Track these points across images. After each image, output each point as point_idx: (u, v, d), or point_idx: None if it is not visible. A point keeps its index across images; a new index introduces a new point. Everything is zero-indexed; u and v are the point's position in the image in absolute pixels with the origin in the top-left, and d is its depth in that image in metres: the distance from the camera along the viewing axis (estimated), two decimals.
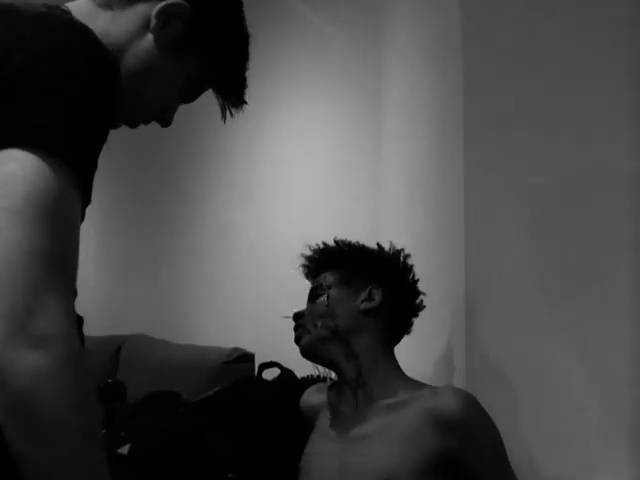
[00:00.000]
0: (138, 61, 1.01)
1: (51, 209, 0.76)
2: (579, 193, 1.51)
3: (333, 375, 2.03)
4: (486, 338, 1.53)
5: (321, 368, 1.85)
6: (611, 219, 1.47)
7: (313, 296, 1.50)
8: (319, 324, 1.43)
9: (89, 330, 3.89)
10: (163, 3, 1.00)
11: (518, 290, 1.52)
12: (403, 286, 1.51)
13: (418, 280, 1.53)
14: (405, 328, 1.51)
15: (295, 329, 1.49)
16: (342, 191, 3.13)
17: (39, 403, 0.72)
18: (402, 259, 1.53)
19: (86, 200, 0.87)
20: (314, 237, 1.59)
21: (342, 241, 1.56)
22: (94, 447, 0.78)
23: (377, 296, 1.45)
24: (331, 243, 1.56)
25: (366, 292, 1.46)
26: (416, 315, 1.52)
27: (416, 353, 1.85)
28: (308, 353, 1.47)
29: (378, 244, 1.55)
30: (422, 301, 1.52)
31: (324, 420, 1.46)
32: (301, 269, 1.59)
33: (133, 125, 1.08)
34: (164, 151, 4.16)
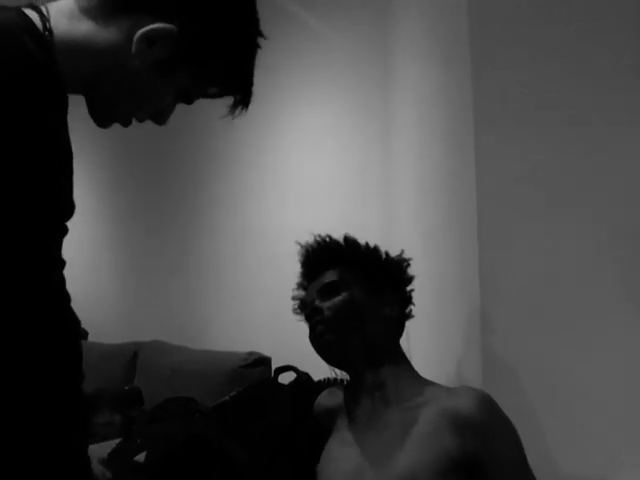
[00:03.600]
0: (121, 77, 0.99)
1: None
2: (595, 189, 1.49)
3: (349, 377, 2.02)
4: (502, 339, 1.51)
5: (337, 370, 1.84)
6: (630, 215, 1.46)
7: (328, 291, 1.45)
8: (346, 325, 1.40)
9: (105, 337, 3.95)
10: (145, 29, 0.96)
11: (534, 290, 1.50)
12: (408, 294, 1.52)
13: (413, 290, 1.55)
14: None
15: (315, 324, 1.43)
16: (353, 193, 3.12)
17: None
18: (406, 267, 1.53)
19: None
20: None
21: (354, 239, 1.53)
22: None
23: (396, 303, 1.45)
24: (337, 239, 1.53)
25: (389, 298, 1.45)
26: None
27: (432, 356, 1.83)
28: (330, 353, 1.44)
29: (386, 252, 1.54)
30: (411, 311, 1.54)
31: (341, 423, 1.44)
32: (302, 257, 1.55)
33: (105, 125, 1.06)
34: (177, 158, 4.16)
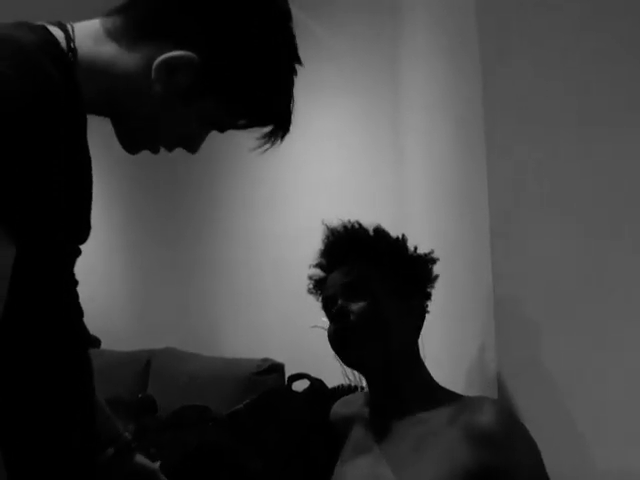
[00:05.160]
0: (140, 103, 0.98)
1: None
2: (610, 187, 1.48)
3: (364, 384, 2.01)
4: (518, 341, 1.50)
5: (351, 377, 1.82)
6: None
7: (354, 289, 1.37)
8: (370, 333, 1.33)
9: (118, 345, 3.95)
10: (164, 57, 0.95)
11: (550, 290, 1.49)
12: (429, 295, 1.47)
13: None
14: None
15: (340, 329, 1.36)
16: (364, 197, 3.11)
17: None
18: (432, 266, 1.46)
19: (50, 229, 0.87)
20: None
21: (383, 231, 1.45)
22: None
23: (419, 309, 1.40)
24: (367, 227, 1.45)
25: (413, 304, 1.40)
26: None
27: (446, 359, 1.82)
28: (349, 357, 1.39)
29: (415, 247, 1.46)
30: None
31: (357, 432, 1.43)
32: (327, 238, 1.47)
33: (133, 152, 1.05)
34: (188, 165, 4.17)
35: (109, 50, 0.96)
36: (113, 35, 0.97)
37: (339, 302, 1.36)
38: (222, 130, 1.06)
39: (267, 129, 1.05)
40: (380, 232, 1.45)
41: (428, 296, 1.45)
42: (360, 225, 1.45)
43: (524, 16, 1.53)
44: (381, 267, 1.39)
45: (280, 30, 1.02)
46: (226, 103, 1.00)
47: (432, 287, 1.46)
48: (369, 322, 1.33)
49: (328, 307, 1.41)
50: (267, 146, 1.06)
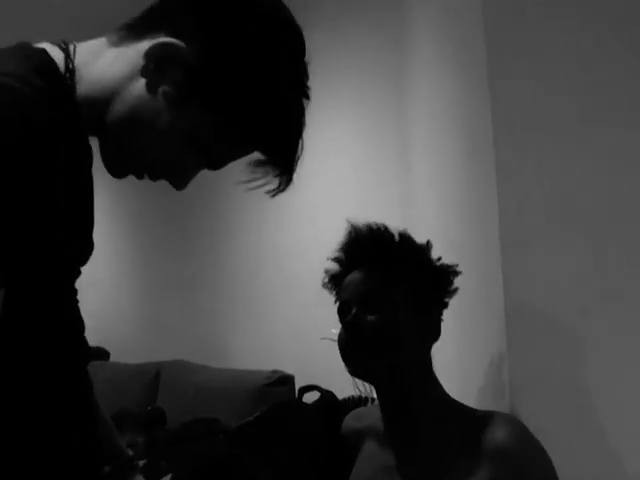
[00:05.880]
0: (125, 108, 0.90)
1: None
2: (621, 195, 1.47)
3: (375, 395, 2.00)
4: (530, 352, 1.49)
5: (362, 388, 1.81)
6: None
7: (372, 299, 1.31)
8: (384, 348, 1.28)
9: (127, 357, 3.96)
10: (153, 42, 0.89)
11: (562, 299, 1.48)
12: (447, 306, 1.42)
13: None
14: None
15: (351, 339, 1.31)
16: (371, 209, 3.11)
17: None
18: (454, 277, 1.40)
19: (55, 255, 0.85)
20: None
21: (408, 237, 1.39)
22: None
23: (437, 324, 1.35)
24: (393, 231, 1.40)
25: (436, 321, 1.35)
26: None
27: (456, 370, 1.81)
28: (361, 376, 1.36)
29: (439, 258, 1.39)
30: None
31: (369, 446, 1.41)
32: (349, 236, 1.41)
33: (117, 176, 0.97)
34: (197, 178, 4.17)
35: (106, 57, 0.93)
36: (114, 43, 0.94)
37: (353, 310, 1.31)
38: (215, 163, 0.97)
39: (267, 170, 0.95)
40: (405, 237, 1.39)
41: (445, 306, 1.40)
42: (386, 228, 1.40)
43: (531, 26, 1.53)
44: (402, 276, 1.33)
45: (283, 45, 0.93)
46: (214, 115, 0.90)
47: (451, 296, 1.40)
48: (382, 337, 1.28)
49: (342, 312, 1.36)
50: (270, 189, 0.95)
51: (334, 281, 1.43)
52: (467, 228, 1.83)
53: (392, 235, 1.39)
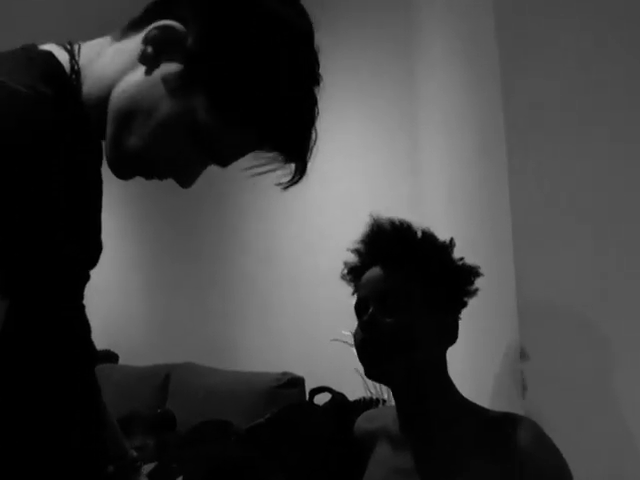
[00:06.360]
0: (123, 97, 0.87)
1: None
2: (636, 191, 1.46)
3: (386, 397, 2.00)
4: (543, 350, 1.47)
5: (373, 390, 1.80)
6: None
7: (391, 299, 1.28)
8: (401, 350, 1.25)
9: (137, 360, 3.95)
10: (151, 26, 0.86)
11: (576, 299, 1.46)
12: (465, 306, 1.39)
13: None
14: None
15: (367, 340, 1.28)
16: (381, 208, 3.09)
17: None
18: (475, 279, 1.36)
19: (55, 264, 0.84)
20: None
21: (431, 235, 1.35)
22: None
23: (455, 327, 1.32)
24: (416, 229, 1.36)
25: (454, 323, 1.32)
26: None
27: (469, 371, 1.80)
28: (377, 378, 1.35)
29: (461, 258, 1.36)
30: None
31: (382, 447, 1.40)
32: (371, 230, 1.38)
33: (123, 176, 0.94)
34: (205, 180, 4.17)
35: (107, 53, 0.92)
36: (117, 39, 0.93)
37: (371, 309, 1.28)
38: (216, 153, 0.92)
39: (275, 156, 0.91)
40: (428, 235, 1.36)
41: (465, 305, 1.37)
42: (409, 225, 1.36)
43: (543, 23, 1.51)
44: (423, 277, 1.30)
45: (288, 30, 0.87)
46: (216, 104, 0.85)
47: (470, 296, 1.37)
48: (398, 340, 1.25)
49: (359, 309, 1.33)
50: (284, 183, 0.93)
51: (353, 273, 1.40)
52: (478, 227, 1.82)
53: (415, 232, 1.35)
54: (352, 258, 1.40)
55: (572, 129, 1.49)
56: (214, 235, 4.22)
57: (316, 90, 0.90)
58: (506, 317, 1.55)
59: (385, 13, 3.07)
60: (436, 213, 2.40)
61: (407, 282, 1.29)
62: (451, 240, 1.37)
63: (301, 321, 3.47)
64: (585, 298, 1.46)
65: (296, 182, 0.92)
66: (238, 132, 0.89)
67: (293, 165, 0.91)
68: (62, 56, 0.91)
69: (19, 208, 0.76)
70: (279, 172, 0.92)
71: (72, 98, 0.89)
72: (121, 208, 4.65)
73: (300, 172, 0.91)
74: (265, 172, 0.91)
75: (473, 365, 1.83)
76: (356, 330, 1.31)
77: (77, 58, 0.91)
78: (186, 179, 0.94)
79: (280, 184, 0.92)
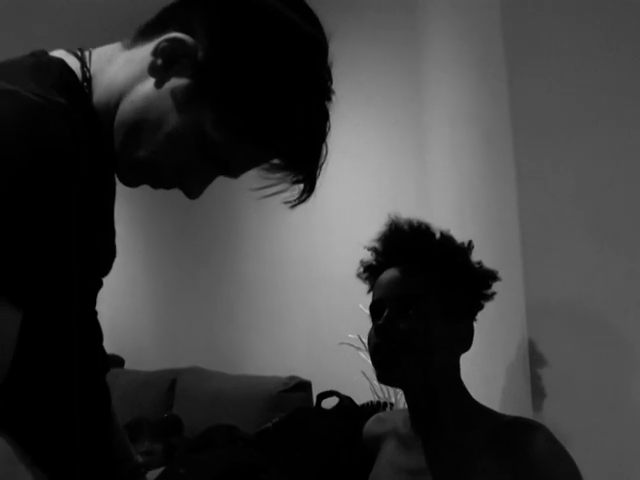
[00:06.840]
0: (132, 109, 0.87)
1: None
2: (637, 193, 1.45)
3: (393, 400, 1.99)
4: (551, 354, 1.46)
5: (380, 393, 1.80)
6: None
7: (408, 304, 1.26)
8: (415, 354, 1.24)
9: (143, 365, 3.96)
10: (162, 38, 0.86)
11: (584, 302, 1.45)
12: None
13: None
14: None
15: (381, 345, 1.26)
16: (388, 209, 3.09)
17: None
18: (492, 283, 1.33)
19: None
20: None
21: (449, 237, 1.33)
22: None
23: (471, 334, 1.30)
24: (434, 231, 1.33)
25: (469, 328, 1.30)
26: None
27: (478, 374, 1.79)
28: (390, 383, 1.33)
29: (479, 262, 1.34)
30: None
31: (390, 450, 1.39)
32: (389, 230, 1.35)
33: (129, 184, 0.94)
34: (212, 185, 4.17)
35: (118, 61, 0.91)
36: (127, 47, 0.92)
37: (386, 312, 1.27)
38: (224, 165, 0.91)
39: (284, 176, 0.90)
40: (446, 238, 1.34)
41: (481, 308, 1.35)
42: (427, 227, 1.34)
43: (551, 27, 1.51)
44: (439, 281, 1.28)
45: (300, 42, 0.87)
46: (225, 116, 0.85)
47: (486, 300, 1.35)
48: (412, 346, 1.24)
49: (375, 311, 1.31)
50: (292, 201, 0.91)
51: (369, 271, 1.38)
52: (486, 228, 1.81)
53: (433, 234, 1.34)
54: (368, 256, 1.37)
55: (580, 129, 1.48)
56: (220, 240, 4.22)
57: (328, 105, 0.89)
58: (514, 319, 1.54)
59: (391, 14, 3.07)
60: (444, 214, 2.39)
61: (425, 287, 1.27)
62: (469, 243, 1.34)
63: (308, 325, 3.46)
64: (594, 299, 1.45)
65: (304, 200, 0.92)
66: (247, 147, 0.88)
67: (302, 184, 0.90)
68: (73, 63, 0.91)
69: (36, 219, 0.76)
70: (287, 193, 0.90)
71: (85, 106, 0.88)
72: (128, 214, 4.66)
73: (308, 190, 0.91)
74: (274, 194, 0.90)
75: (481, 367, 1.83)
76: (370, 333, 1.30)
77: (88, 65, 0.91)
78: (193, 190, 0.94)
79: (288, 202, 0.91)
